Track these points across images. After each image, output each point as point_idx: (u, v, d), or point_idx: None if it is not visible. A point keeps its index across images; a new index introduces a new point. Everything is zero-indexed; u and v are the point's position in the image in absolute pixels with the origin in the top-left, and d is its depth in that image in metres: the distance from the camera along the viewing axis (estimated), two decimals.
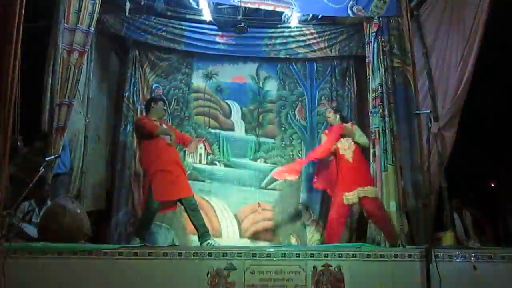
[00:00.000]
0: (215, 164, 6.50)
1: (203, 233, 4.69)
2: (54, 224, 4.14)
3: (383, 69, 5.25)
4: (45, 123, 4.94)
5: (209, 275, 3.76)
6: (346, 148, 5.07)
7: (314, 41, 6.58)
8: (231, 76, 6.82)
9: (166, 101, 5.39)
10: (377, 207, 4.83)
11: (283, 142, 6.67)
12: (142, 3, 6.08)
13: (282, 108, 6.79)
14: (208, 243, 4.58)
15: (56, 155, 4.46)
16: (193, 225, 4.77)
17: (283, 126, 6.74)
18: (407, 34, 5.46)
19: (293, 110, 6.79)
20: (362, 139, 5.06)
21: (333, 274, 3.82)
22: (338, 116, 5.25)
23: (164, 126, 4.93)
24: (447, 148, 5.56)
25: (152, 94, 6.55)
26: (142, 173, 5.93)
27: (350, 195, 4.90)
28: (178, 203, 4.85)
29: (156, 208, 4.73)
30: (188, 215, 4.76)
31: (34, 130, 5.17)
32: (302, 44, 6.61)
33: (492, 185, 8.02)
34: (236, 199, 6.41)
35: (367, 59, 5.48)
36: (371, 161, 5.12)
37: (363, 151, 5.12)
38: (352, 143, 5.05)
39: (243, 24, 6.11)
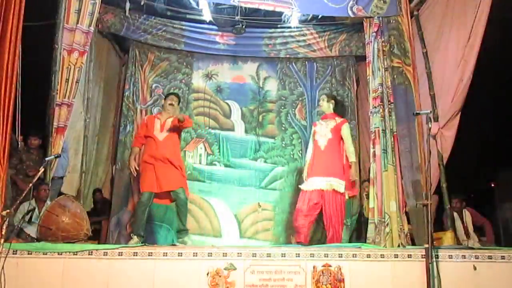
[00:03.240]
0: (215, 164, 6.50)
1: (180, 231, 4.93)
2: (54, 224, 4.14)
3: (383, 69, 5.23)
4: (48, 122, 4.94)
5: (209, 275, 3.76)
6: (322, 134, 5.12)
7: (314, 41, 6.59)
8: (231, 76, 6.82)
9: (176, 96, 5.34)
10: (334, 202, 4.86)
11: (283, 142, 6.67)
12: (142, 3, 6.08)
13: (282, 108, 6.79)
14: (182, 240, 4.80)
15: (56, 155, 4.46)
16: (178, 217, 4.98)
17: (283, 126, 6.74)
18: (407, 34, 5.45)
19: (293, 110, 6.79)
20: (350, 148, 5.03)
21: (333, 274, 3.82)
22: (331, 105, 5.24)
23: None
24: (447, 148, 5.56)
25: (152, 94, 6.55)
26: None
27: (309, 182, 4.96)
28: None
29: (144, 201, 4.84)
30: (176, 209, 4.98)
31: (34, 130, 5.18)
32: (302, 44, 6.61)
33: (492, 185, 8.03)
34: (236, 199, 6.41)
35: (367, 59, 5.46)
36: (371, 161, 5.11)
37: (341, 144, 5.09)
38: (330, 132, 5.07)
39: (240, 25, 6.10)
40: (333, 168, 4.97)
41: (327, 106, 5.26)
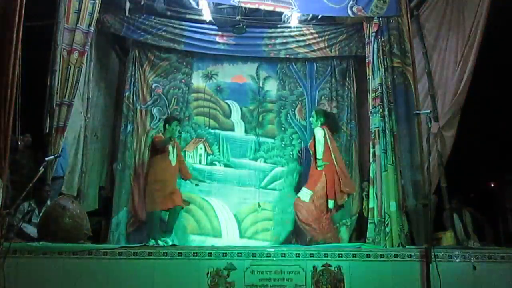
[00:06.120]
0: (215, 164, 6.50)
1: (166, 231, 5.30)
2: (54, 224, 4.15)
3: (383, 69, 5.24)
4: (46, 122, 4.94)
5: (209, 275, 3.77)
6: (309, 149, 5.62)
7: (314, 41, 6.58)
8: (231, 76, 6.82)
9: (179, 120, 5.85)
10: (306, 211, 5.17)
11: (283, 142, 6.67)
12: (142, 3, 6.09)
13: (282, 108, 6.78)
14: (165, 240, 5.09)
15: (56, 155, 4.46)
16: (167, 222, 5.39)
17: (283, 126, 6.74)
18: (407, 34, 5.45)
19: (293, 110, 6.79)
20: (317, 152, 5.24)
21: (333, 274, 3.82)
22: (319, 122, 5.46)
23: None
24: (447, 148, 5.56)
25: (152, 94, 6.55)
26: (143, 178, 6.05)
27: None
28: None
29: (159, 216, 5.33)
30: (169, 215, 5.39)
31: (34, 130, 5.17)
32: (302, 44, 6.60)
33: (492, 185, 8.01)
34: (236, 199, 6.41)
35: (367, 59, 5.47)
36: (370, 161, 5.12)
37: (312, 155, 5.39)
38: (310, 148, 5.42)
39: (241, 24, 6.10)
40: (308, 178, 5.37)
41: (315, 123, 5.49)
